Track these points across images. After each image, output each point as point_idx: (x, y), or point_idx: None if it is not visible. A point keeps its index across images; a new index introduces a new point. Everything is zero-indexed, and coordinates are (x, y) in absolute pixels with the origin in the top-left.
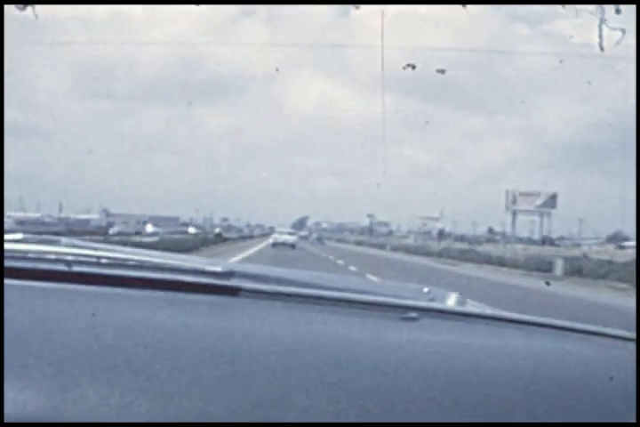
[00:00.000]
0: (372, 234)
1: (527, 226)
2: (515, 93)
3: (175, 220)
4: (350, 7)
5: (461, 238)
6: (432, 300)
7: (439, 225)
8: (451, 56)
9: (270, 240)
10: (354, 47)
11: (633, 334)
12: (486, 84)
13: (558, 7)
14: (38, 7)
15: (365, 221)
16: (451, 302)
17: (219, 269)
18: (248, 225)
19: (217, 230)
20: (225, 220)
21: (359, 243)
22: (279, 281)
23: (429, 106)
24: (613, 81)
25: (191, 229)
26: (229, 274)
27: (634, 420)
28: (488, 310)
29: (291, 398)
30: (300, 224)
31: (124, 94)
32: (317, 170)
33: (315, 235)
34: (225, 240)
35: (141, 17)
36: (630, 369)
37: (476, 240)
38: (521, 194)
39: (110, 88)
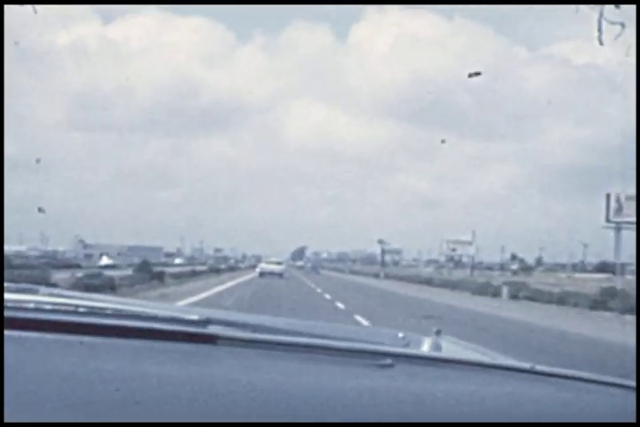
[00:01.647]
0: (383, 264)
1: None
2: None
3: (157, 250)
4: (348, 30)
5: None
6: (407, 345)
7: (471, 250)
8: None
9: (257, 270)
10: (353, 73)
11: (632, 383)
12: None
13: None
14: (29, 37)
15: (369, 249)
16: (426, 347)
17: (195, 317)
18: (244, 256)
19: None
20: (219, 250)
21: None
22: (256, 328)
23: (431, 131)
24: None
25: (177, 260)
26: (206, 322)
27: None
28: (465, 354)
29: None
30: (298, 254)
31: (113, 124)
32: (317, 199)
33: (309, 264)
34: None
35: (136, 45)
36: (630, 419)
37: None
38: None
39: (100, 118)
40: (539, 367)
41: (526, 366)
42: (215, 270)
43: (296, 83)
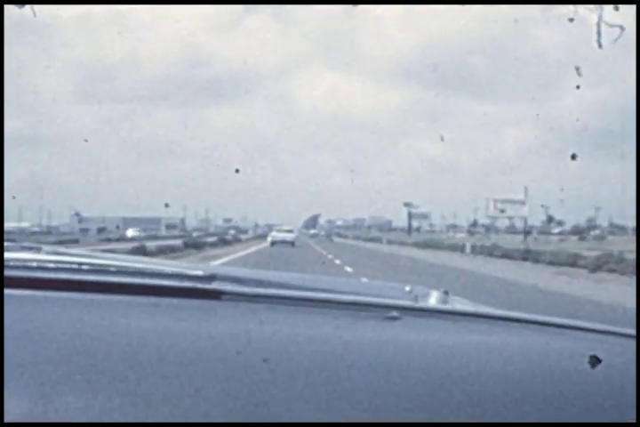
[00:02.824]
0: (410, 230)
1: None
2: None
3: (155, 221)
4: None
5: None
6: (414, 299)
7: (524, 211)
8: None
9: (269, 239)
10: (363, 39)
11: (633, 331)
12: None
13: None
14: (36, 7)
15: (387, 215)
16: (433, 300)
17: (200, 272)
18: (256, 225)
19: None
20: (228, 220)
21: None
22: (261, 283)
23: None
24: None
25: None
26: (211, 277)
27: (634, 420)
28: (472, 308)
29: (278, 399)
30: (311, 222)
31: (119, 96)
32: (330, 166)
33: (323, 232)
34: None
35: (143, 16)
36: (630, 368)
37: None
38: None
39: (107, 90)
40: (544, 318)
41: (533, 317)
42: (194, 246)
43: (306, 49)
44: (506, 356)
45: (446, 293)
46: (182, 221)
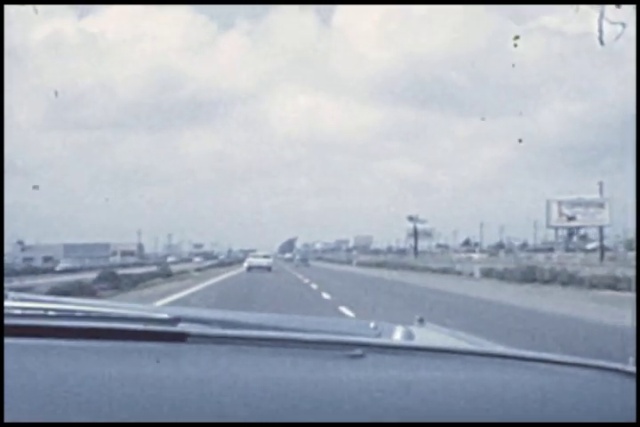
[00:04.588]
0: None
1: None
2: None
3: (103, 247)
4: (332, 14)
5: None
6: (378, 335)
7: (603, 216)
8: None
9: (245, 264)
10: (339, 56)
11: (633, 368)
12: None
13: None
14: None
15: (368, 235)
16: (398, 335)
17: (165, 315)
18: (230, 251)
19: None
20: (199, 246)
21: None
22: (226, 324)
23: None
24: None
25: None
26: (176, 320)
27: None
28: (439, 341)
29: None
30: (288, 247)
31: (92, 122)
32: (306, 189)
33: (298, 256)
34: None
35: (114, 38)
36: (630, 409)
37: None
38: None
39: (75, 115)
40: (521, 353)
41: (501, 351)
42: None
43: (280, 70)
44: (473, 393)
45: (421, 320)
46: (140, 247)
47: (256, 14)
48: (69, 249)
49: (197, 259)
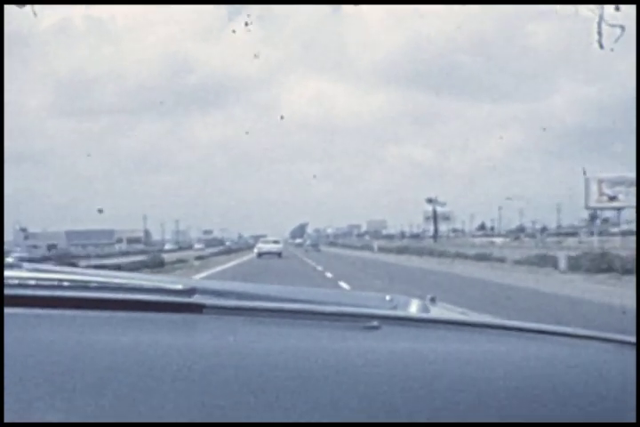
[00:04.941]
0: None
1: None
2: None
3: (107, 234)
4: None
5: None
6: (394, 307)
7: None
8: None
9: (255, 250)
10: (351, 41)
11: (632, 338)
12: None
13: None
14: (10, 17)
15: (379, 220)
16: (413, 308)
17: (180, 286)
18: (240, 237)
19: None
20: (208, 232)
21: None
22: (241, 296)
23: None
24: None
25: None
26: (191, 291)
27: (634, 420)
28: (454, 315)
29: (262, 412)
30: (299, 232)
31: (103, 108)
32: (317, 174)
33: (308, 242)
34: None
35: (123, 24)
36: (630, 376)
37: None
38: None
39: (86, 102)
40: (527, 325)
41: (521, 324)
42: None
43: (292, 55)
44: (489, 364)
45: (433, 299)
46: (147, 233)
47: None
48: (72, 236)
49: (198, 245)
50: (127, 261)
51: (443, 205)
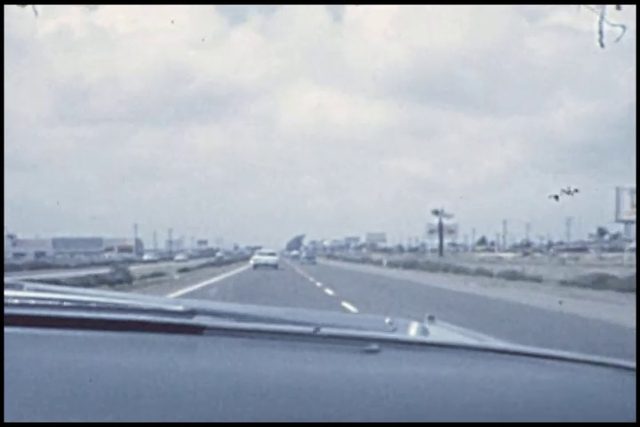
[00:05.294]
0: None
1: None
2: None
3: (96, 242)
4: (344, 11)
5: None
6: (394, 330)
7: None
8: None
9: (251, 262)
10: (351, 52)
11: (632, 364)
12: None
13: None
14: (11, 28)
15: (377, 233)
16: (413, 331)
17: (180, 307)
18: (236, 247)
19: None
20: (203, 242)
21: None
22: (242, 317)
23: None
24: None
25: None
26: (192, 312)
27: (634, 420)
28: (454, 339)
29: None
30: (295, 244)
31: (101, 116)
32: (315, 186)
33: (304, 254)
34: None
35: (123, 31)
36: (630, 403)
37: None
38: None
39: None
40: (528, 349)
41: (522, 348)
42: None
43: (291, 65)
44: (488, 389)
45: (432, 318)
46: (138, 242)
47: (268, 9)
48: (59, 244)
49: (180, 256)
50: (83, 274)
51: (450, 217)
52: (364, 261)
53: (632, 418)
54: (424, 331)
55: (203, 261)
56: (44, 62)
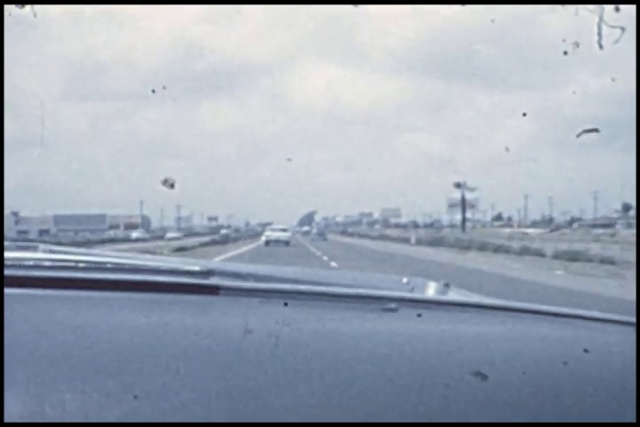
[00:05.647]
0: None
1: None
2: None
3: (99, 219)
4: None
5: None
6: (411, 290)
7: None
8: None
9: (263, 238)
10: (362, 29)
11: (632, 319)
12: None
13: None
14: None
15: (392, 208)
16: (430, 291)
17: (197, 268)
18: (247, 224)
19: None
20: (213, 219)
21: None
22: (258, 278)
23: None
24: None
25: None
26: (208, 273)
27: (634, 420)
28: (471, 298)
29: (278, 394)
30: (307, 220)
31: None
32: (328, 162)
33: (315, 230)
34: None
35: (134, 10)
36: (630, 356)
37: None
38: None
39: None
40: (541, 307)
41: (534, 306)
42: None
43: (303, 41)
44: (504, 346)
45: (447, 285)
46: (145, 219)
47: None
48: (60, 220)
49: (172, 234)
50: None
51: (473, 190)
52: (382, 237)
53: (633, 376)
54: (442, 291)
55: (206, 238)
56: (55, 39)
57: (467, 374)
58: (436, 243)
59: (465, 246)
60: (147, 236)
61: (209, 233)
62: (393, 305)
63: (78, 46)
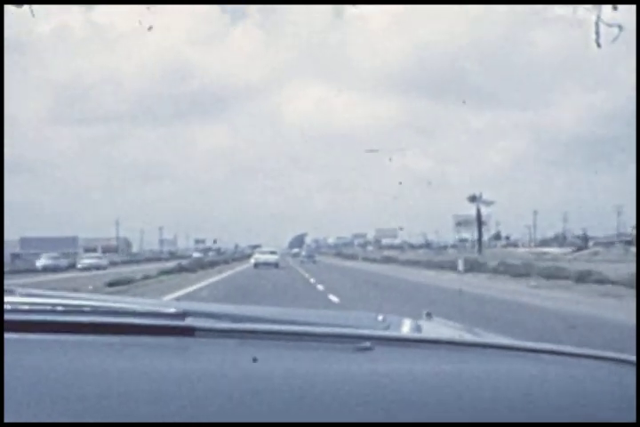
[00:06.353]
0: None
1: None
2: None
3: (70, 241)
4: (345, 7)
5: None
6: (387, 328)
7: None
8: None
9: (252, 260)
10: (353, 49)
11: (632, 357)
12: None
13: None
14: (10, 28)
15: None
16: (405, 328)
17: (172, 310)
18: (236, 247)
19: None
20: (200, 241)
21: None
22: (233, 318)
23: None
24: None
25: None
26: (183, 314)
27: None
28: (446, 334)
29: None
30: (297, 242)
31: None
32: (318, 183)
33: (304, 253)
34: None
35: (122, 29)
36: (630, 397)
37: None
38: None
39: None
40: (522, 344)
41: (508, 342)
42: None
43: (293, 62)
44: (483, 385)
45: (429, 314)
46: (125, 242)
47: (268, 6)
48: (27, 244)
49: (88, 260)
50: None
51: (489, 204)
52: (387, 260)
53: (632, 415)
54: (417, 328)
55: (172, 264)
56: (42, 61)
57: (444, 413)
58: (478, 268)
59: (519, 273)
60: (62, 263)
61: (170, 258)
62: (368, 344)
63: (66, 69)
